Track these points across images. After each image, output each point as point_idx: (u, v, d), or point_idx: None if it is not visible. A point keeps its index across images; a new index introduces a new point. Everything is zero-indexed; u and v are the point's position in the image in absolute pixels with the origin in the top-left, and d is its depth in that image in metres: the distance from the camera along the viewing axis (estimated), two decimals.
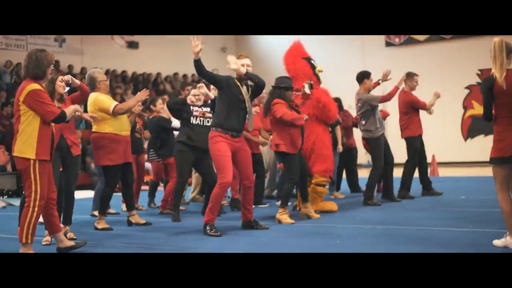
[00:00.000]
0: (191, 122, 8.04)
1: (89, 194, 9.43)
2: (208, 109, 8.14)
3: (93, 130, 7.35)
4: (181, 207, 9.24)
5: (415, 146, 9.76)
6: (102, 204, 7.52)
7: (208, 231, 6.61)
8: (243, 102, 6.82)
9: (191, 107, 8.04)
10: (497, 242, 5.37)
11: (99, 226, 7.40)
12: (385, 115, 10.33)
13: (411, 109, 9.74)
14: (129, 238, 6.75)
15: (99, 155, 7.29)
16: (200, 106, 8.10)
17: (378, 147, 9.19)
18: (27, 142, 5.40)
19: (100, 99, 7.22)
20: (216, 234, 6.57)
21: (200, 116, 8.10)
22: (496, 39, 5.34)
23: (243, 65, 6.86)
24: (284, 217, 7.40)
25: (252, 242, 6.14)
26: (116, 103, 7.25)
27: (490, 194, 9.32)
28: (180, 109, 8.03)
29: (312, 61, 8.54)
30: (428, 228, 6.51)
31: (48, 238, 6.43)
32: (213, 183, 8.26)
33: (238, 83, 6.84)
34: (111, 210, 9.08)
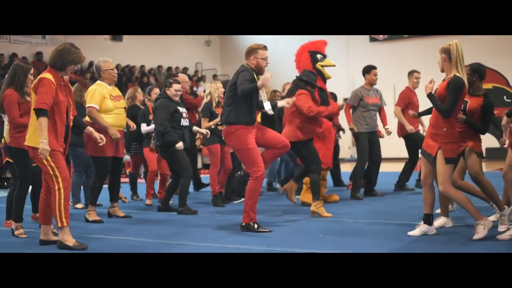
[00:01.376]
0: (182, 124, 7.99)
1: None
2: (184, 108, 8.15)
3: (87, 119, 7.32)
4: None
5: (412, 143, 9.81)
6: (93, 195, 7.48)
7: (256, 228, 6.34)
8: (258, 95, 6.69)
9: (180, 109, 8.01)
10: (479, 236, 5.45)
11: (90, 218, 7.36)
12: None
13: (407, 106, 9.76)
14: (115, 232, 6.72)
15: (89, 146, 7.27)
16: (182, 106, 8.08)
17: (360, 141, 9.33)
18: (36, 132, 5.40)
19: (92, 92, 7.31)
20: (265, 230, 6.35)
21: (185, 117, 8.09)
22: (455, 41, 5.51)
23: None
24: (321, 210, 7.31)
25: (233, 237, 6.12)
26: (94, 106, 7.21)
27: None
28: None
29: (317, 55, 8.49)
30: (411, 222, 6.52)
31: (21, 230, 6.37)
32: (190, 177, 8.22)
33: (256, 77, 6.55)
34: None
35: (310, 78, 7.64)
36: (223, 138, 6.74)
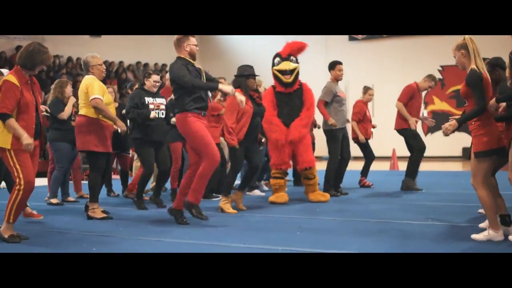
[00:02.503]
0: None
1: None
2: (162, 100, 8.09)
3: (81, 113, 7.17)
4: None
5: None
6: (93, 192, 7.22)
7: (196, 213, 6.53)
8: (201, 77, 6.68)
9: (146, 100, 7.95)
10: (477, 236, 5.37)
11: (97, 216, 7.12)
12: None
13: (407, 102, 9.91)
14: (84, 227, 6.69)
15: (85, 140, 7.12)
16: (154, 97, 8.03)
17: (331, 139, 9.27)
18: (4, 132, 5.46)
19: (92, 84, 7.12)
20: (202, 217, 6.56)
21: (156, 108, 7.99)
22: (466, 36, 5.39)
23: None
24: (226, 206, 7.54)
25: (209, 233, 6.09)
26: (100, 97, 7.05)
27: (449, 189, 9.48)
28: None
29: (275, 59, 8.58)
30: (388, 220, 6.57)
31: None
32: (166, 170, 8.19)
33: (192, 61, 6.73)
34: (70, 198, 9.00)
35: (248, 71, 7.68)
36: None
